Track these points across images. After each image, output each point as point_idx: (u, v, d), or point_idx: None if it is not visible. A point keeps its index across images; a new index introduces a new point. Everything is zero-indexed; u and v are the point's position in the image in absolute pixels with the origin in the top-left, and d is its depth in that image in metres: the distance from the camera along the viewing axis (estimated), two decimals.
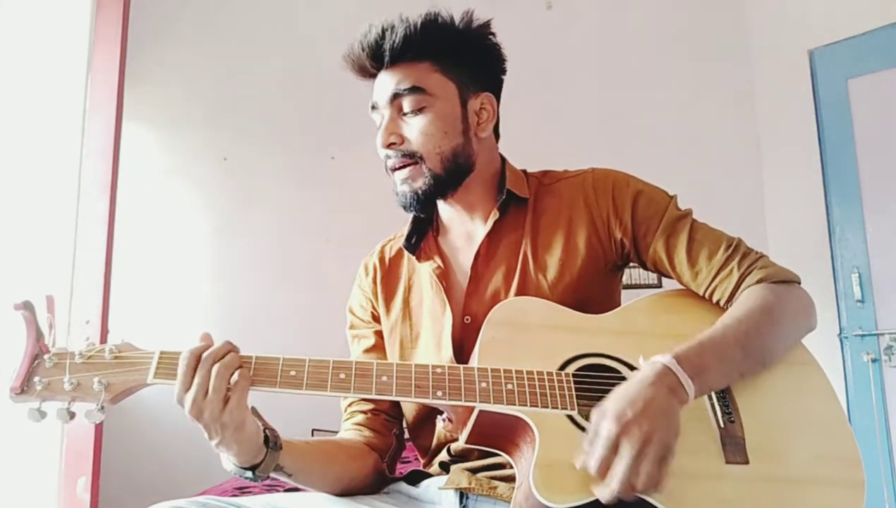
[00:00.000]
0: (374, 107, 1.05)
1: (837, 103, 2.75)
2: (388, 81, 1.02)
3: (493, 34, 1.07)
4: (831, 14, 2.81)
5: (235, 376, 0.81)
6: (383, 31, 1.01)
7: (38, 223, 1.92)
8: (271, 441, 0.88)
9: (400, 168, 1.02)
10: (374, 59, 1.03)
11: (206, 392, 0.80)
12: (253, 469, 0.87)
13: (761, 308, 0.92)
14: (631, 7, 3.18)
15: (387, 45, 1.01)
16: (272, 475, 0.90)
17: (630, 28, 3.17)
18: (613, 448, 0.74)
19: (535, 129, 2.81)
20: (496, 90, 1.09)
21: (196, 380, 0.80)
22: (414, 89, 1.00)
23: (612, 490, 0.73)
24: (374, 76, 1.05)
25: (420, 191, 1.01)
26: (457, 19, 1.04)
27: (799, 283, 1.00)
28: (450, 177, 1.02)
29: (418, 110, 1.01)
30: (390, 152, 1.02)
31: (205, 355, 0.81)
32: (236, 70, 2.97)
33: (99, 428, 1.76)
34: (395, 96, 1.01)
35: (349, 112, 2.88)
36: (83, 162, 1.92)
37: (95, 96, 1.95)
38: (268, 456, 0.87)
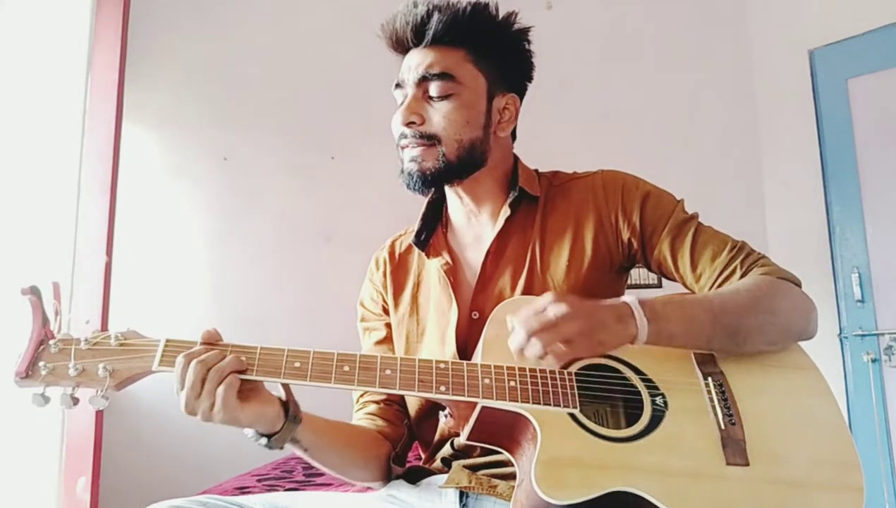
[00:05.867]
0: (398, 85, 1.05)
1: (837, 103, 2.75)
2: (419, 61, 1.02)
3: (529, 41, 1.08)
4: (831, 14, 2.81)
5: (223, 384, 0.81)
6: (431, 9, 1.01)
7: (38, 223, 1.92)
8: (291, 414, 0.89)
9: (413, 147, 1.02)
10: (415, 35, 1.03)
11: (199, 394, 0.81)
12: (269, 437, 0.88)
13: (748, 289, 0.93)
14: (631, 7, 3.18)
15: (433, 24, 1.01)
16: (288, 446, 0.91)
17: (630, 28, 3.17)
18: (542, 311, 0.80)
19: (535, 129, 2.80)
20: (521, 94, 1.10)
21: (187, 382, 0.81)
22: (445, 75, 1.00)
23: (519, 340, 0.81)
24: (405, 51, 1.05)
25: (428, 172, 1.01)
26: (500, 17, 1.05)
27: (800, 286, 1.00)
28: (461, 166, 1.02)
29: (445, 96, 1.00)
30: (407, 131, 1.01)
31: (197, 360, 0.81)
32: (236, 70, 2.97)
33: (99, 429, 1.76)
34: (424, 79, 1.01)
35: (349, 112, 2.91)
36: (83, 162, 1.92)
37: (95, 96, 1.95)
38: (284, 428, 0.89)
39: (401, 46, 1.05)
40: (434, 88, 1.01)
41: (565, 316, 0.79)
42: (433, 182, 1.03)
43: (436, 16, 1.01)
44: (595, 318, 0.82)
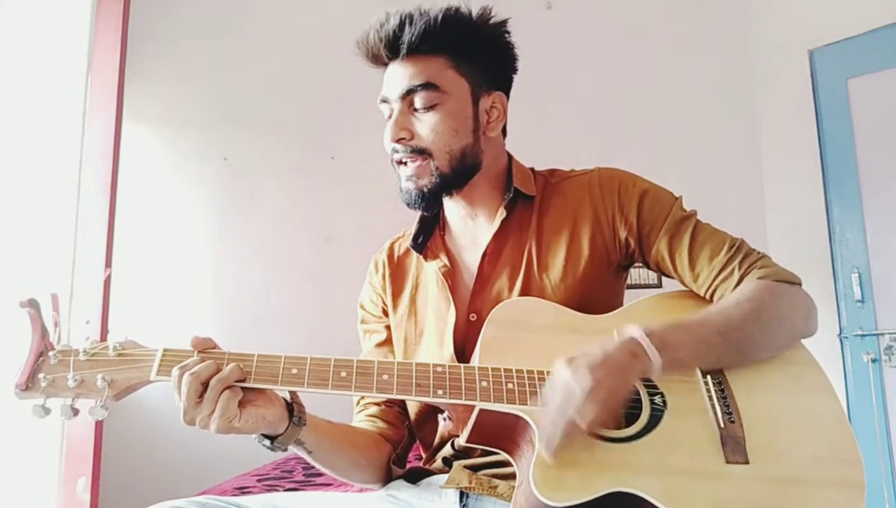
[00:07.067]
0: (383, 101, 1.03)
1: (837, 103, 2.75)
2: (401, 75, 1.00)
3: (508, 32, 1.06)
4: (831, 14, 2.81)
5: (223, 396, 0.81)
6: (402, 22, 0.99)
7: (38, 223, 1.92)
8: (296, 416, 0.89)
9: (407, 163, 1.01)
10: (390, 50, 1.00)
11: (195, 405, 0.81)
12: (272, 439, 0.88)
13: (750, 299, 0.92)
14: (631, 7, 3.18)
15: (405, 38, 0.98)
16: (292, 448, 0.92)
17: (630, 28, 3.17)
18: (566, 391, 0.77)
19: (535, 129, 2.81)
20: (507, 89, 1.09)
21: (183, 394, 0.81)
22: (428, 85, 0.99)
23: (555, 426, 0.77)
24: (385, 65, 1.03)
25: (426, 190, 1.01)
26: (474, 15, 1.02)
27: (800, 285, 0.99)
28: (456, 176, 1.02)
29: (430, 107, 0.99)
30: (398, 147, 1.00)
31: (189, 373, 0.81)
32: (236, 69, 2.97)
33: (99, 429, 1.76)
34: (408, 92, 0.99)
35: (349, 111, 2.90)
36: (83, 162, 1.92)
37: (95, 96, 1.95)
38: (289, 430, 0.89)
39: (378, 61, 1.04)
40: (419, 100, 0.99)
41: (592, 383, 0.76)
42: (432, 197, 1.02)
43: (407, 28, 0.98)
44: (615, 368, 0.79)
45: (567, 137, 2.97)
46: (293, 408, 0.90)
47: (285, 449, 0.91)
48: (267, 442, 0.89)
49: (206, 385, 0.81)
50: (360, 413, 1.11)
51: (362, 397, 1.11)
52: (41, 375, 0.82)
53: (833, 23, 2.78)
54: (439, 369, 0.85)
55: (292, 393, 0.90)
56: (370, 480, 1.05)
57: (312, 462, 0.98)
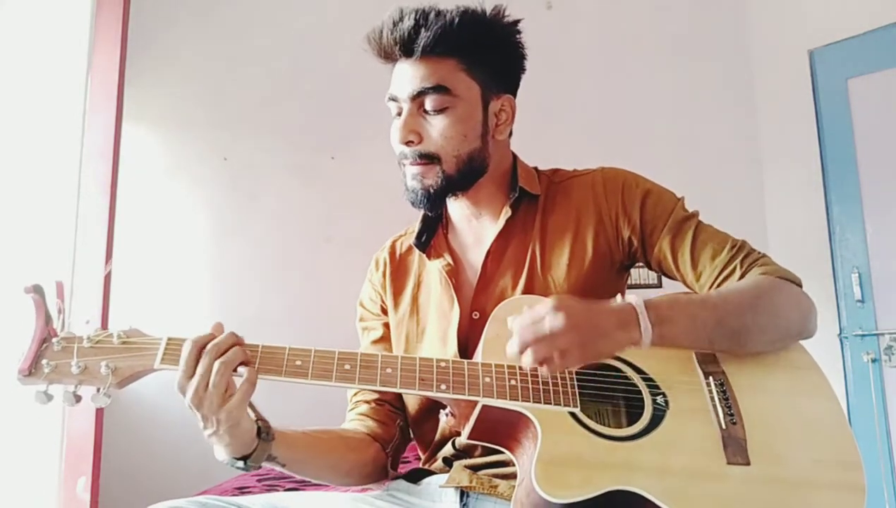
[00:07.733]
0: (392, 99, 1.02)
1: (837, 103, 2.75)
2: (411, 75, 0.99)
3: (519, 32, 1.05)
4: (831, 14, 2.81)
5: (241, 372, 0.82)
6: (418, 23, 0.97)
7: (38, 223, 1.92)
8: (263, 431, 0.89)
9: (414, 165, 1.00)
10: (403, 50, 0.99)
11: (207, 385, 0.81)
12: (244, 459, 0.88)
13: (749, 289, 0.93)
14: (631, 7, 3.18)
15: (421, 40, 0.96)
16: (265, 464, 0.91)
17: (630, 28, 3.17)
18: (538, 325, 0.79)
19: (535, 129, 2.81)
20: (515, 90, 1.08)
21: (198, 371, 0.81)
22: (439, 88, 0.97)
23: (513, 351, 0.80)
24: (394, 62, 1.02)
25: (431, 190, 1.00)
26: (488, 15, 1.01)
27: (800, 286, 1.00)
28: (462, 179, 1.01)
29: (441, 110, 0.98)
30: (406, 150, 1.00)
31: (208, 346, 0.82)
32: (236, 70, 2.96)
33: (99, 429, 1.76)
34: (419, 94, 0.98)
35: (350, 112, 2.90)
36: (83, 162, 1.92)
37: (95, 96, 1.95)
38: (258, 447, 0.88)
39: (389, 58, 1.02)
40: (429, 102, 0.98)
41: (562, 328, 0.78)
42: (437, 198, 1.02)
43: (422, 32, 0.96)
44: (593, 328, 0.80)
45: (567, 137, 2.96)
46: (259, 426, 0.89)
47: (259, 466, 0.90)
48: (240, 464, 0.88)
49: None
50: (351, 411, 1.11)
51: (354, 394, 1.11)
52: (44, 361, 0.82)
53: (833, 23, 2.79)
54: (443, 364, 0.86)
55: (256, 412, 0.89)
56: (356, 483, 1.05)
57: (290, 474, 0.98)
